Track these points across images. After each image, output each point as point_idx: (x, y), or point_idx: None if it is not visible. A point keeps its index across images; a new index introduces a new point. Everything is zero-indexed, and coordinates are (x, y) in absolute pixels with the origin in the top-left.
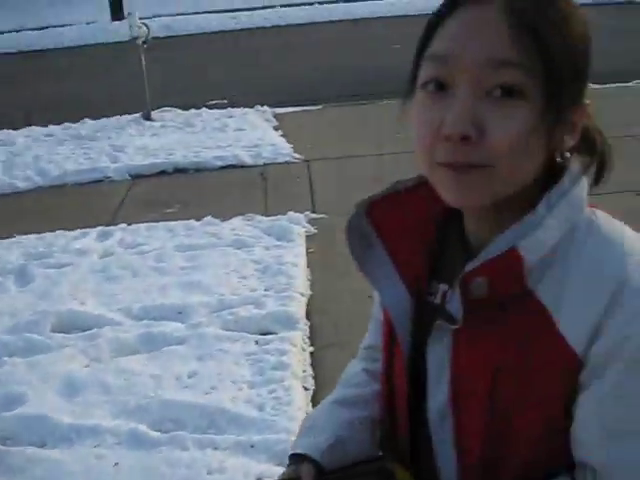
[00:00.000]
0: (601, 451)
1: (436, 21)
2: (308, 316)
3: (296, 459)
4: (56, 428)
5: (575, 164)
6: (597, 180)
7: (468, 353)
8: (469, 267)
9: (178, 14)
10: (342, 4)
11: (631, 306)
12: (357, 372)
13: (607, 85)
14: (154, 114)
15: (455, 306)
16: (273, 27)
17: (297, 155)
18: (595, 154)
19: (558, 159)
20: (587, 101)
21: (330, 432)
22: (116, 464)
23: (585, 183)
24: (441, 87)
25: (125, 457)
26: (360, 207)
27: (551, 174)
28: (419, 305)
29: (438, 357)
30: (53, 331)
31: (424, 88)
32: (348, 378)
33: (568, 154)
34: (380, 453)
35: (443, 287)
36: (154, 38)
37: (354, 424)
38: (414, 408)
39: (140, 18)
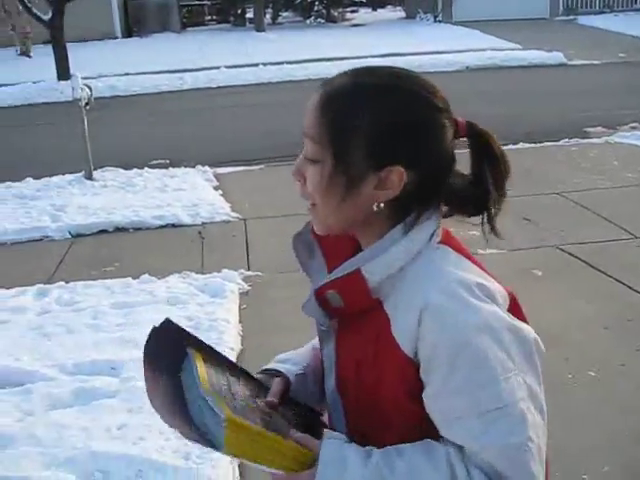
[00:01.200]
0: (444, 430)
1: None
2: None
3: (268, 373)
4: None
5: (415, 213)
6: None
7: (342, 350)
8: (322, 282)
9: (124, 74)
10: (286, 65)
11: (432, 321)
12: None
13: (541, 144)
14: (96, 174)
15: (318, 312)
16: (218, 87)
17: (235, 214)
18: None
19: (374, 208)
20: (400, 168)
21: (302, 365)
22: None
23: (428, 226)
24: None
25: None
26: (307, 225)
27: (403, 213)
28: None
29: (329, 353)
30: None
31: None
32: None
33: (382, 205)
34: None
35: None
36: (100, 98)
37: (319, 369)
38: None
39: (86, 78)
